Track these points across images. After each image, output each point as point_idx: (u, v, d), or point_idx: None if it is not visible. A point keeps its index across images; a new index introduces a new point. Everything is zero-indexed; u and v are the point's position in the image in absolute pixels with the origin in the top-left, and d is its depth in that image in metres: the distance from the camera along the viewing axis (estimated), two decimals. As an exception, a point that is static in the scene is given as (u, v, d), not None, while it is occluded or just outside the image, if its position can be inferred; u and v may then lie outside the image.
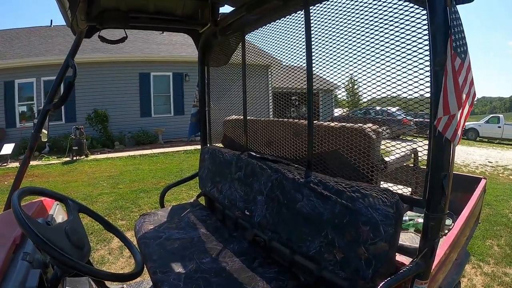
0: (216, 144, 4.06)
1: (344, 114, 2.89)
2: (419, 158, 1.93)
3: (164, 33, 20.29)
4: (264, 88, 3.26)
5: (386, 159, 2.08)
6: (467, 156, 14.88)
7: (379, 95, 1.92)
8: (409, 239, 2.59)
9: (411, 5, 1.66)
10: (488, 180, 3.70)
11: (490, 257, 4.70)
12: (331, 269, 1.95)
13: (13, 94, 16.21)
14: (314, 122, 2.36)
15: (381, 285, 1.50)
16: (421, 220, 2.75)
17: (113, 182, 9.04)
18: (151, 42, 19.73)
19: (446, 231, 2.23)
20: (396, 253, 1.76)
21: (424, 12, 1.56)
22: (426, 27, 1.55)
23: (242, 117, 3.26)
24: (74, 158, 13.23)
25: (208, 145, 4.10)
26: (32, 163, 11.15)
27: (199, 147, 4.10)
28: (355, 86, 2.27)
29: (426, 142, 1.62)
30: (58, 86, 2.79)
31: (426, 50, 1.58)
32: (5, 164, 12.55)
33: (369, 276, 1.72)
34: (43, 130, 2.82)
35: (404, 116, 2.76)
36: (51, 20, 23.03)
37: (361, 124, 2.13)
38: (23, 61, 16.11)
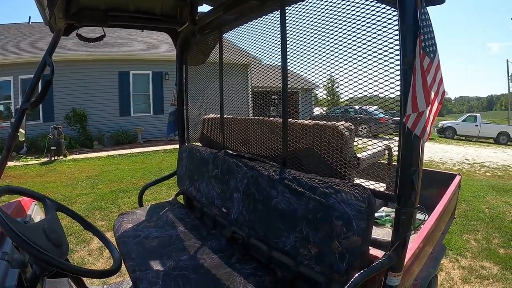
0: (194, 143, 4.07)
1: (323, 112, 2.93)
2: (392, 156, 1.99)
3: (144, 32, 20.04)
4: (243, 87, 3.28)
5: (359, 155, 2.12)
6: (445, 154, 15.17)
7: (355, 94, 1.95)
8: (385, 234, 2.64)
9: (383, 5, 1.70)
10: (465, 177, 3.81)
11: (467, 251, 4.83)
12: (307, 263, 1.98)
13: (-11, 93, 15.86)
14: (289, 120, 2.39)
15: (354, 277, 1.54)
16: (397, 216, 2.81)
17: (92, 183, 8.96)
18: (131, 40, 19.57)
19: (421, 226, 2.29)
20: (371, 247, 1.81)
21: (395, 12, 1.61)
22: (397, 27, 1.60)
23: (219, 115, 3.28)
24: (52, 158, 13.05)
25: (186, 143, 4.11)
26: (9, 163, 10.98)
27: (178, 146, 4.09)
28: (333, 85, 2.31)
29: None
30: (36, 85, 2.75)
31: (397, 50, 1.62)
32: (-19, 165, 12.29)
33: (344, 270, 1.75)
34: (21, 130, 2.78)
35: (382, 115, 2.81)
36: (30, 17, 22.65)
37: (335, 122, 2.17)
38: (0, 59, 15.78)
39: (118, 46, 18.15)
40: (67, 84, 15.95)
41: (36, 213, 2.39)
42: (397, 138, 1.66)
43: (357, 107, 2.33)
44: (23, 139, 2.84)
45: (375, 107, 2.10)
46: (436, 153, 15.32)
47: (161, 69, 18.53)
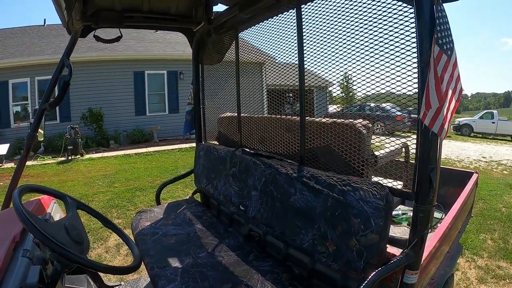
0: (211, 141, 4.09)
1: (338, 110, 2.93)
2: (410, 153, 1.98)
3: (158, 32, 20.17)
4: (258, 85, 3.29)
5: (377, 153, 2.12)
6: (462, 152, 14.97)
7: (371, 91, 1.95)
8: (402, 232, 2.64)
9: (399, 3, 1.70)
10: (482, 175, 3.76)
11: (484, 250, 4.76)
12: (324, 261, 2.00)
13: (7, 94, 16.13)
14: (306, 118, 2.40)
15: (372, 274, 1.55)
16: (413, 214, 2.80)
17: (108, 181, 9.03)
18: (145, 40, 19.66)
19: (438, 224, 2.29)
20: (388, 245, 1.82)
21: (412, 9, 1.61)
22: (413, 24, 1.60)
23: (236, 114, 3.30)
24: (69, 157, 13.20)
25: (203, 142, 4.13)
26: (27, 163, 11.17)
27: (194, 145, 4.13)
28: (349, 83, 2.32)
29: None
30: (54, 86, 2.80)
31: (414, 47, 1.62)
32: (0, 164, 12.52)
33: (361, 267, 1.77)
34: (40, 130, 2.83)
35: (399, 113, 2.81)
36: (45, 19, 22.95)
37: (352, 120, 2.17)
38: (16, 60, 16.03)
39: (133, 46, 18.25)
40: (83, 85, 16.09)
41: (55, 211, 2.41)
42: (414, 136, 1.66)
43: (372, 104, 2.33)
44: (42, 139, 2.90)
45: (391, 104, 2.10)
46: (452, 151, 15.14)
47: (176, 69, 18.58)
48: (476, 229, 5.53)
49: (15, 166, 10.45)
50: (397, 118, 2.61)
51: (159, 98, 18.77)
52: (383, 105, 2.39)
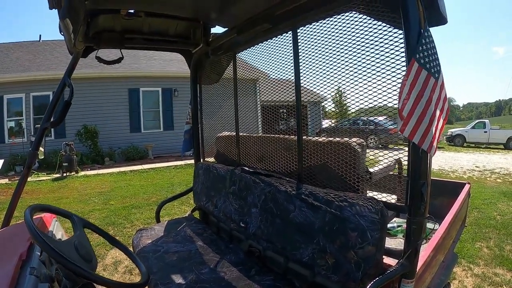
0: (209, 160, 4.16)
1: (332, 125, 3.01)
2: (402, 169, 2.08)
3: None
4: (254, 105, 3.37)
5: (371, 170, 2.22)
6: (455, 162, 15.10)
7: (363, 106, 2.07)
8: (397, 244, 2.71)
9: (390, 27, 1.82)
10: (476, 184, 3.83)
11: (480, 258, 4.82)
12: (324, 273, 2.08)
13: (1, 109, 16.09)
14: (304, 137, 2.50)
15: (370, 284, 1.63)
16: (408, 226, 2.88)
17: (104, 198, 9.01)
18: (140, 57, 19.74)
19: (432, 235, 2.37)
20: (384, 256, 1.90)
21: (401, 33, 1.73)
22: (403, 47, 1.72)
23: (234, 133, 3.37)
24: (64, 174, 13.12)
25: (202, 160, 4.20)
26: (23, 181, 11.10)
27: (189, 162, 4.20)
28: (342, 99, 2.42)
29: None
30: (55, 105, 2.84)
31: (403, 66, 1.76)
32: (-6, 180, 12.46)
33: (359, 278, 1.85)
34: (40, 148, 2.87)
35: (393, 126, 2.90)
36: (40, 35, 22.98)
37: (347, 139, 2.28)
38: (12, 76, 16.06)
39: (128, 63, 18.26)
40: (78, 101, 15.94)
41: (57, 229, 2.43)
42: (407, 148, 1.76)
43: (365, 118, 2.42)
44: (43, 157, 2.94)
45: (383, 117, 2.21)
46: (446, 162, 15.26)
47: (170, 86, 18.68)
48: (472, 238, 5.59)
49: (9, 182, 10.36)
50: (392, 131, 2.70)
51: (154, 115, 18.83)
52: (379, 118, 2.49)
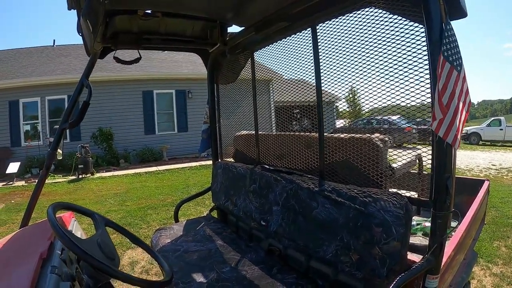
0: (227, 159, 4.16)
1: (346, 125, 2.99)
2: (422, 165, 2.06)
3: (165, 51, 20.26)
4: (269, 103, 3.37)
5: (393, 165, 2.21)
6: (471, 161, 14.91)
7: (383, 104, 2.06)
8: (418, 242, 2.69)
9: (411, 23, 1.81)
10: (493, 183, 3.78)
11: (498, 258, 4.76)
12: (348, 270, 2.07)
13: (17, 113, 16.37)
14: (325, 134, 2.49)
15: (397, 279, 1.62)
16: (428, 224, 2.85)
17: (120, 200, 9.10)
18: (154, 60, 19.86)
19: (453, 233, 2.34)
20: (408, 252, 1.88)
21: (422, 28, 1.71)
22: (424, 41, 1.71)
23: (253, 132, 3.37)
24: (80, 176, 13.31)
25: (220, 160, 4.20)
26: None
27: (204, 163, 4.21)
28: (359, 97, 2.40)
29: (429, 148, 1.77)
30: (73, 106, 2.84)
31: (426, 63, 1.73)
32: (11, 182, 12.68)
33: (384, 274, 1.84)
34: (58, 150, 2.89)
35: (407, 124, 2.88)
36: (54, 40, 23.26)
37: (369, 134, 2.27)
38: (27, 80, 16.32)
39: (141, 66, 18.33)
40: (93, 104, 15.61)
41: (76, 228, 2.44)
42: (421, 147, 1.75)
43: (379, 117, 2.41)
44: (61, 158, 2.96)
45: (397, 116, 2.19)
46: (461, 160, 15.07)
47: (184, 88, 18.73)
48: (490, 237, 5.52)
49: (26, 184, 10.50)
50: (406, 129, 2.68)
51: (167, 117, 18.90)
52: (393, 117, 2.48)
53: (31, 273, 1.55)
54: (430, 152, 1.75)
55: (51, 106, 16.78)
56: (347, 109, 2.81)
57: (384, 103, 2.04)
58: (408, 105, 1.91)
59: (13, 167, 13.13)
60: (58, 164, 15.15)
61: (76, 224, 2.52)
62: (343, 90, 2.32)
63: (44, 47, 22.45)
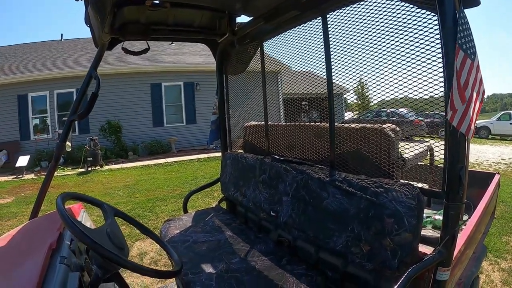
0: (236, 150, 4.15)
1: (354, 117, 2.96)
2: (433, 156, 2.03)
3: (174, 44, 20.35)
4: (277, 94, 3.35)
5: (405, 155, 2.18)
6: (480, 155, 14.76)
7: (395, 97, 2.02)
8: (428, 233, 2.67)
9: (423, 11, 1.77)
10: (502, 178, 3.74)
11: (507, 253, 4.72)
12: (358, 262, 2.05)
13: (26, 107, 16.51)
14: (335, 124, 2.45)
15: (408, 271, 1.60)
16: (438, 217, 2.83)
17: (129, 192, 9.14)
18: (162, 52, 19.89)
19: (463, 226, 2.31)
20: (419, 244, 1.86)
21: (435, 16, 1.68)
22: (437, 30, 1.67)
23: (262, 122, 3.35)
24: (89, 168, 13.38)
25: (229, 151, 4.18)
26: (49, 175, 11.32)
27: (212, 155, 4.19)
28: (369, 89, 2.37)
29: (438, 140, 1.76)
30: (82, 98, 2.84)
31: (438, 52, 1.69)
32: (21, 176, 12.78)
33: (395, 266, 1.82)
34: (67, 142, 2.89)
35: (416, 117, 2.84)
36: (62, 34, 23.35)
37: (380, 124, 2.24)
38: (35, 74, 16.42)
39: (149, 59, 18.42)
40: (101, 97, 15.69)
41: (85, 219, 2.44)
42: (433, 139, 1.72)
43: (388, 110, 2.38)
44: (69, 150, 2.96)
45: (406, 109, 2.16)
46: (471, 154, 14.74)
47: (192, 80, 18.74)
48: (499, 232, 5.48)
49: (35, 177, 10.60)
50: (415, 122, 2.65)
51: (176, 109, 18.95)
52: (402, 110, 2.45)
53: (40, 263, 1.55)
54: (440, 145, 1.73)
55: (60, 99, 16.88)
56: (356, 101, 2.78)
57: (394, 95, 2.01)
58: (418, 97, 1.88)
59: (22, 161, 13.24)
60: (68, 157, 15.28)
61: (86, 215, 2.52)
62: (352, 81, 2.29)
63: (52, 41, 22.55)
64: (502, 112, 25.46)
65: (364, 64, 2.16)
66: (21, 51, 20.22)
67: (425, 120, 2.69)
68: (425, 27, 1.78)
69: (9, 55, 19.48)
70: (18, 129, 16.47)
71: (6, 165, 14.84)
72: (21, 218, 6.97)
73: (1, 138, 16.21)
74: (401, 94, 1.97)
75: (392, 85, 2.00)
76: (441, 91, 1.72)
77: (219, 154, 4.37)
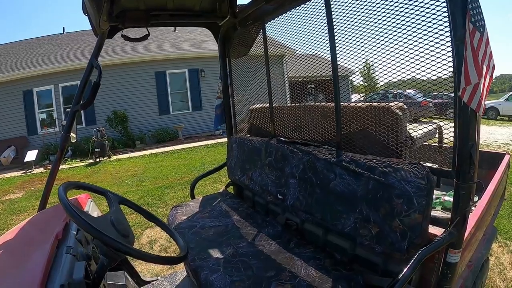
0: (241, 133, 4.12)
1: (361, 99, 2.90)
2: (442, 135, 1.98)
3: (177, 30, 20.30)
4: (282, 76, 3.30)
5: (413, 134, 2.12)
6: (489, 136, 14.63)
7: (402, 77, 1.94)
8: (438, 214, 2.63)
9: None
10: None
11: (517, 235, 4.66)
12: (367, 244, 2.01)
13: (32, 102, 16.64)
14: (341, 103, 2.39)
15: (418, 253, 1.56)
16: (447, 198, 2.79)
17: (137, 180, 9.19)
18: (165, 40, 19.86)
19: (473, 208, 2.27)
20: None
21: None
22: (444, 2, 1.60)
23: (267, 105, 3.30)
24: (97, 159, 13.47)
25: (234, 135, 4.15)
26: (58, 166, 11.41)
27: (219, 141, 4.16)
28: (376, 70, 2.30)
29: (447, 122, 1.70)
30: (84, 88, 2.83)
31: (446, 27, 1.62)
32: (30, 170, 12.90)
33: (405, 248, 1.77)
34: (72, 134, 2.87)
35: (424, 98, 2.79)
36: (63, 28, 23.32)
37: (387, 103, 2.18)
38: (39, 69, 16.48)
39: (153, 47, 18.46)
40: (106, 88, 16.19)
41: (92, 209, 2.47)
42: (441, 120, 1.67)
43: (394, 91, 2.33)
44: (74, 141, 2.94)
45: (413, 90, 2.10)
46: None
47: (196, 66, 18.69)
48: (508, 213, 5.41)
49: (44, 171, 10.72)
50: (422, 103, 2.59)
51: (181, 97, 18.97)
52: (409, 91, 2.38)
53: (46, 253, 1.57)
54: (449, 127, 1.69)
55: (65, 93, 16.98)
56: (362, 83, 2.72)
57: (400, 76, 1.94)
58: (428, 75, 1.80)
59: (31, 155, 13.35)
60: (75, 149, 15.44)
61: (93, 205, 2.54)
62: (357, 62, 2.22)
63: (54, 35, 22.59)
64: (511, 93, 25.14)
65: (369, 44, 2.09)
66: (24, 47, 20.27)
67: (433, 101, 2.63)
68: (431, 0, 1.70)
69: (12, 51, 19.53)
70: (25, 125, 16.64)
71: (15, 161, 15.05)
72: (31, 212, 7.03)
73: (9, 134, 16.38)
74: (408, 74, 1.90)
75: (398, 65, 1.93)
76: (449, 71, 1.66)
77: (226, 139, 4.34)
